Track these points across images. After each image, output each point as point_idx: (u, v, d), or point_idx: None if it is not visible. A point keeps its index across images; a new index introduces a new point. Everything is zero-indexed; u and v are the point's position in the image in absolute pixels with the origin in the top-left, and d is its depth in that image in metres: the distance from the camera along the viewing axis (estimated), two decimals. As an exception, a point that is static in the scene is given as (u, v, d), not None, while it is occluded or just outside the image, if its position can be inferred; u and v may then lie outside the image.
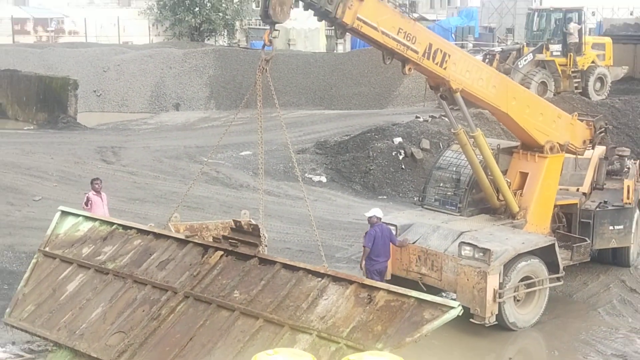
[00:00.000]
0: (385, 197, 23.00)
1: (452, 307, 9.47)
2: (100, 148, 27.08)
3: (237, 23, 56.75)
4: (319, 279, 10.56)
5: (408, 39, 13.00)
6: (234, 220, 12.08)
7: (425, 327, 9.46)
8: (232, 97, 37.12)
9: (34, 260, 12.90)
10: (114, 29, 56.45)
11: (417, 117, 28.24)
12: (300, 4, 12.56)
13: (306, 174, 23.82)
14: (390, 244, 14.28)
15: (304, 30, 55.59)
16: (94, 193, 15.50)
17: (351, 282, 10.35)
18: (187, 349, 10.53)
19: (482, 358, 12.87)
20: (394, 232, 14.50)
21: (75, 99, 33.32)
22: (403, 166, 24.33)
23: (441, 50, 13.48)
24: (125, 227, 12.83)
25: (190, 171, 23.84)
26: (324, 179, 24.13)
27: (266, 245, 11.83)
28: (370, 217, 14.24)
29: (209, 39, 54.78)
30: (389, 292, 10.05)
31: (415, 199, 19.00)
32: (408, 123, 26.82)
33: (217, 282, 11.18)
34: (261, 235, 11.48)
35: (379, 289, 10.16)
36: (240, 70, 38.07)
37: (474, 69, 14.12)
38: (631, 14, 60.88)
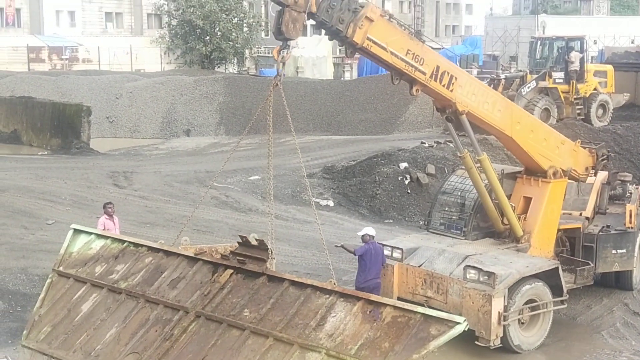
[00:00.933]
0: (391, 220, 22.96)
1: (458, 323, 9.41)
2: (112, 173, 27.14)
3: (247, 51, 57.10)
4: (327, 295, 10.52)
5: (416, 60, 13.02)
6: (240, 236, 12.08)
7: (431, 343, 9.40)
8: (241, 123, 37.19)
9: (48, 281, 12.86)
10: (127, 57, 56.82)
11: (422, 142, 28.27)
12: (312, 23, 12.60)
13: (314, 198, 23.81)
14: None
15: (311, 58, 55.86)
16: (107, 217, 15.54)
17: (358, 299, 10.32)
18: None
19: (487, 380, 12.79)
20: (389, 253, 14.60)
21: (88, 125, 33.47)
22: (409, 191, 24.31)
23: (448, 73, 13.49)
24: (136, 245, 12.80)
25: (200, 195, 23.86)
26: (331, 203, 24.12)
27: (274, 258, 11.71)
28: (362, 236, 14.38)
29: (219, 67, 55.08)
30: (396, 307, 10.01)
31: (421, 223, 18.98)
32: (414, 148, 26.84)
33: (228, 301, 11.14)
34: (269, 249, 11.45)
35: (385, 304, 10.13)
36: (249, 97, 38.21)
37: (480, 93, 14.12)
38: (632, 42, 61.03)
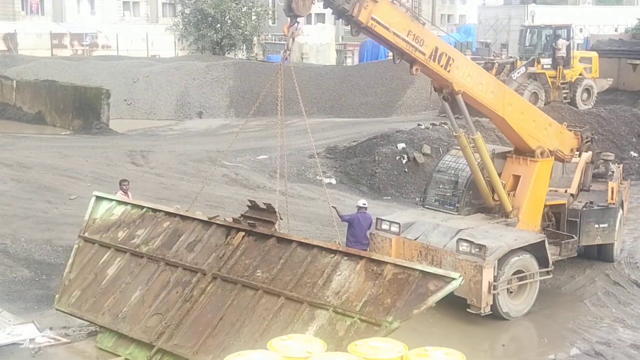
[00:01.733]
0: (389, 197, 22.97)
1: (454, 278, 9.47)
2: (130, 152, 27.16)
3: (255, 38, 56.93)
4: (332, 255, 10.57)
5: (417, 41, 12.93)
6: (249, 200, 12.10)
7: (430, 298, 9.45)
8: (250, 106, 36.66)
9: (75, 246, 12.92)
10: (143, 43, 56.62)
11: (419, 124, 28.18)
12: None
13: (317, 176, 23.82)
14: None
15: (316, 45, 55.75)
16: (122, 193, 15.55)
17: (361, 258, 10.38)
18: (218, 328, 10.57)
19: (477, 345, 12.86)
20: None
21: (107, 107, 33.41)
22: (406, 169, 24.30)
23: (446, 54, 13.41)
24: (154, 210, 12.85)
25: (211, 173, 23.87)
26: (333, 181, 24.12)
27: (282, 219, 11.68)
28: (359, 206, 15.17)
29: (229, 53, 54.90)
30: (396, 265, 10.05)
31: (417, 199, 18.99)
32: (411, 130, 26.77)
33: (241, 262, 11.20)
34: (276, 212, 11.45)
35: (386, 262, 10.16)
36: (257, 82, 38.03)
37: (475, 74, 14.05)
38: (616, 30, 60.63)
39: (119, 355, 11.36)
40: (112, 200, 13.41)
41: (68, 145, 28.47)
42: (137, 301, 11.60)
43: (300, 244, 11.01)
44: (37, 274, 15.20)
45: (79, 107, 33.85)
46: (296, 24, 12.06)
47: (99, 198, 13.41)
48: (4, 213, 18.73)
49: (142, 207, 13.05)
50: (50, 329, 12.33)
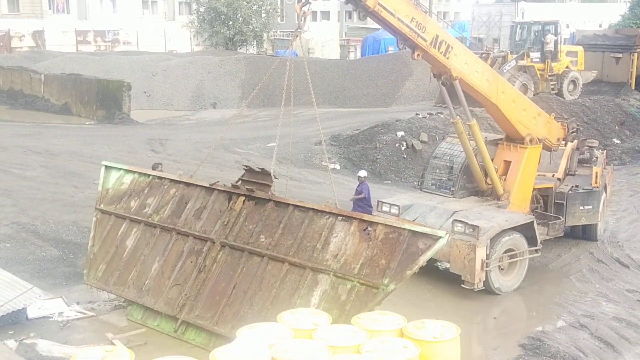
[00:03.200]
0: (389, 182, 22.96)
1: (441, 237, 9.41)
2: (149, 140, 27.17)
3: (265, 34, 56.68)
4: (327, 217, 10.48)
5: (419, 27, 12.80)
6: (244, 165, 12.06)
7: (421, 257, 9.38)
8: (260, 97, 36.96)
9: (94, 219, 12.81)
10: (161, 39, 56.52)
11: (417, 114, 28.11)
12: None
13: (323, 162, 23.82)
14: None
15: (321, 41, 55.61)
16: None
17: (354, 219, 10.32)
18: (233, 297, 10.54)
19: (471, 318, 12.87)
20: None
21: (128, 98, 33.39)
22: (405, 156, 24.27)
23: (445, 42, 13.30)
24: (159, 178, 12.69)
25: (225, 159, 23.90)
26: (337, 166, 24.12)
27: (277, 178, 11.41)
28: (362, 176, 16.52)
29: (240, 48, 54.74)
30: (386, 225, 9.98)
31: (415, 183, 18.96)
32: (409, 119, 26.73)
33: (245, 229, 11.11)
34: (271, 174, 11.33)
35: (377, 223, 10.11)
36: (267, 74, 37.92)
37: (472, 62, 13.92)
38: (600, 26, 60.31)
39: (147, 327, 11.38)
40: (120, 168, 13.17)
41: (92, 134, 28.50)
42: (157, 273, 11.55)
43: (296, 207, 10.89)
44: (64, 252, 15.25)
45: (102, 98, 33.85)
46: (308, 4, 11.95)
47: (108, 167, 13.16)
48: (34, 197, 18.78)
49: (148, 175, 12.87)
50: (77, 303, 12.39)
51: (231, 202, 11.50)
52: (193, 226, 11.65)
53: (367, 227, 10.05)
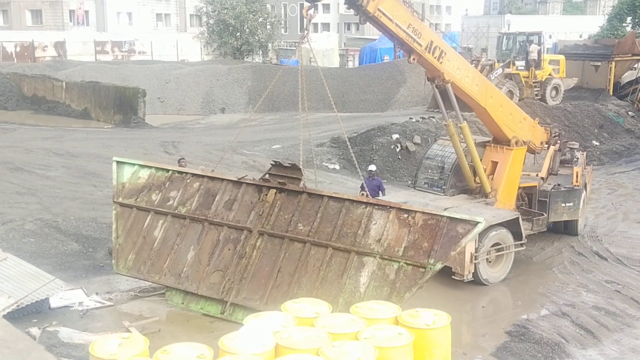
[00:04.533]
0: (385, 181, 22.81)
1: (479, 222, 9.29)
2: (163, 142, 27.13)
3: (270, 45, 56.70)
4: (363, 206, 10.22)
5: (415, 33, 12.77)
6: (274, 160, 11.74)
7: (462, 240, 9.25)
8: (265, 102, 36.91)
9: (114, 212, 12.36)
10: (174, 49, 56.51)
11: (410, 118, 28.08)
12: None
13: (323, 163, 23.79)
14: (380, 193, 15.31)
15: (322, 50, 55.50)
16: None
17: (392, 207, 10.08)
18: (279, 279, 10.26)
19: (461, 306, 12.87)
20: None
21: (143, 104, 33.40)
22: (399, 157, 24.26)
23: (439, 48, 13.27)
24: (180, 172, 12.11)
25: (233, 161, 23.84)
26: (337, 167, 24.10)
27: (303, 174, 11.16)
28: (372, 170, 16.38)
29: (247, 57, 54.75)
30: (424, 213, 9.82)
31: (409, 182, 18.97)
32: (403, 123, 26.69)
33: (281, 218, 10.76)
34: (300, 169, 11.01)
35: (415, 211, 9.91)
36: (272, 82, 37.92)
37: (463, 68, 13.90)
38: (580, 36, 60.31)
39: (192, 310, 11.11)
40: (134, 164, 12.62)
41: (110, 137, 28.48)
42: (194, 260, 11.14)
43: (331, 197, 10.60)
44: (84, 247, 15.24)
45: (119, 104, 33.87)
46: (313, 8, 11.91)
47: (119, 163, 12.70)
48: (56, 195, 18.77)
49: (167, 170, 12.28)
50: (96, 293, 12.37)
51: (262, 195, 11.13)
52: (225, 217, 11.21)
53: (405, 215, 9.82)
